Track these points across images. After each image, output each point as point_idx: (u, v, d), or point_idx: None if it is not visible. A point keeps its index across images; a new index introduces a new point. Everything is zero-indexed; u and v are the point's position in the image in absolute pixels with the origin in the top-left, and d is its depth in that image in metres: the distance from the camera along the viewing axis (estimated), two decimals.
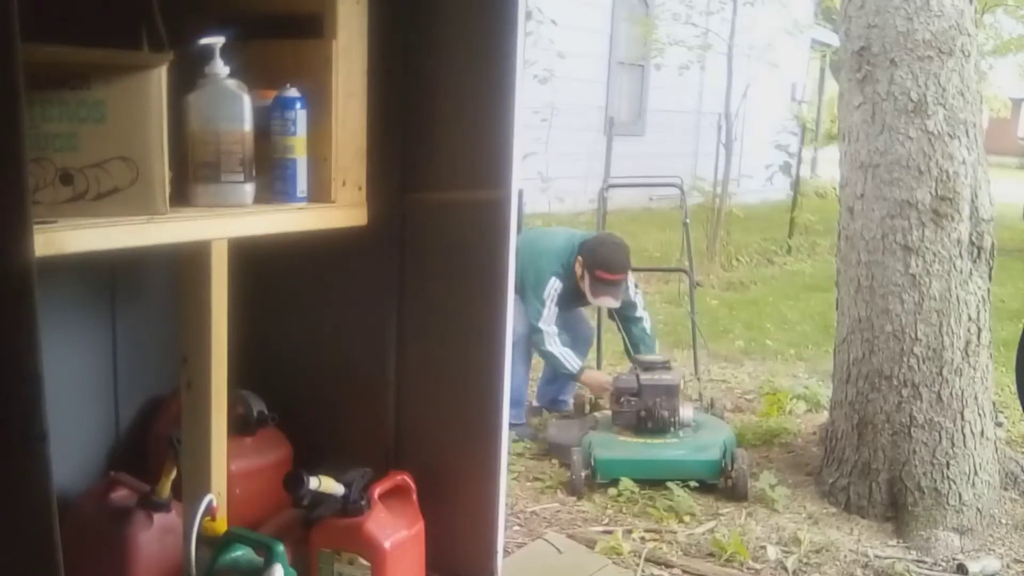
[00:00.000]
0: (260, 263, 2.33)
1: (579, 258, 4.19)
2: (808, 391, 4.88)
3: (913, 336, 3.44)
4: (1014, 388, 4.11)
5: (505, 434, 2.56)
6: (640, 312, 4.46)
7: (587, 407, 4.40)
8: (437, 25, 2.45)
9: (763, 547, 3.24)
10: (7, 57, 1.27)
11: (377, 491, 2.41)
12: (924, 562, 3.21)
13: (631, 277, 4.37)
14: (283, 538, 2.16)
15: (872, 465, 3.53)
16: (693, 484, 3.63)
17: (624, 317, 4.41)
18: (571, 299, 4.27)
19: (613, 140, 6.90)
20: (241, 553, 2.13)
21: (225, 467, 2.23)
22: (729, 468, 3.66)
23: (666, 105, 12.51)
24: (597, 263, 4.17)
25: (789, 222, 10.03)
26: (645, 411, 3.80)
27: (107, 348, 2.67)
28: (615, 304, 4.32)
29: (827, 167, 13.05)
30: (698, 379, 4.75)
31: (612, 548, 3.16)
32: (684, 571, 3.08)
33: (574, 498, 3.62)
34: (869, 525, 3.46)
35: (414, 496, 2.52)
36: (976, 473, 3.46)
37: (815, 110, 16.38)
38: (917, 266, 3.42)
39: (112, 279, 2.66)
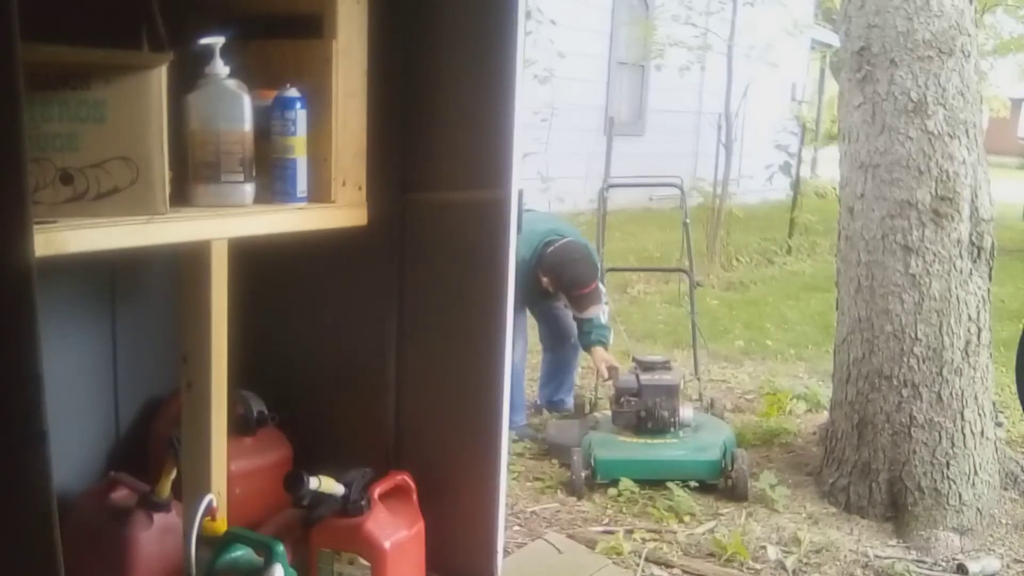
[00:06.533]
0: (260, 263, 2.33)
1: (544, 278, 4.12)
2: (808, 391, 4.88)
3: (913, 336, 3.44)
4: (1014, 388, 4.11)
5: (505, 434, 2.57)
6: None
7: (587, 407, 4.40)
8: (437, 25, 2.46)
9: (763, 547, 3.24)
10: (7, 57, 1.27)
11: (377, 491, 2.41)
12: (924, 562, 3.21)
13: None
14: (283, 538, 2.16)
15: (872, 465, 3.53)
16: (693, 484, 3.63)
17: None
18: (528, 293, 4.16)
19: (613, 140, 6.90)
20: (241, 553, 2.13)
21: (225, 467, 2.23)
22: (729, 468, 3.66)
23: (666, 105, 12.51)
24: (571, 283, 4.10)
25: (789, 222, 10.03)
26: (645, 411, 3.80)
27: (107, 348, 2.67)
28: (599, 310, 4.23)
29: (827, 167, 13.05)
30: (698, 379, 4.75)
31: (612, 548, 3.16)
32: (684, 571, 3.08)
33: (574, 498, 3.62)
34: (869, 525, 3.45)
35: (414, 496, 2.52)
36: (976, 473, 3.46)
37: (815, 110, 16.38)
38: (917, 266, 3.42)
39: (112, 279, 2.66)
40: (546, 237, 4.18)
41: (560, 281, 4.14)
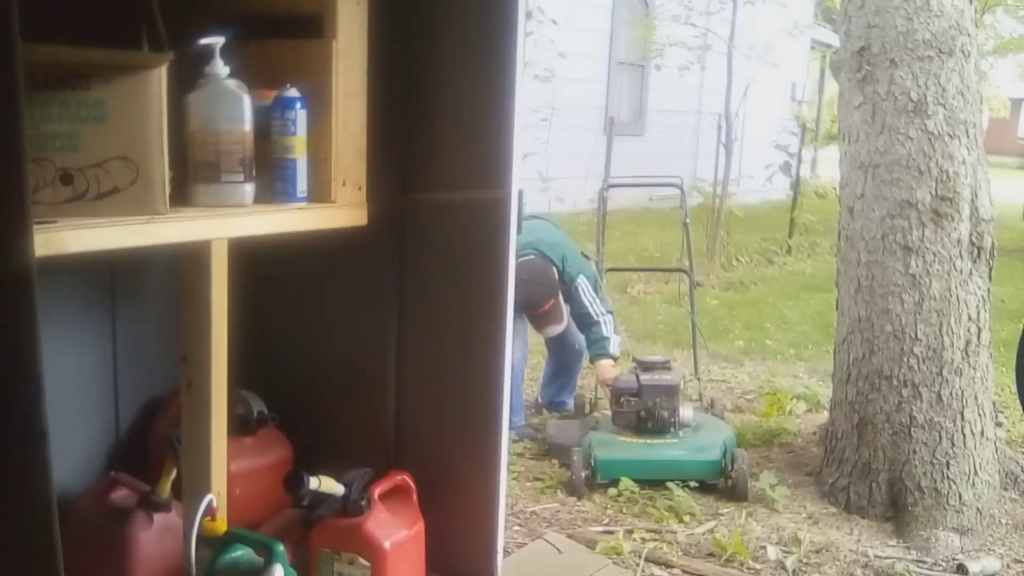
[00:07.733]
0: (260, 263, 2.33)
1: None
2: (808, 391, 4.88)
3: (913, 336, 3.44)
4: (1014, 388, 4.11)
5: (505, 434, 2.56)
6: (597, 318, 4.26)
7: (587, 407, 4.40)
8: (437, 25, 2.45)
9: (763, 547, 3.24)
10: (7, 57, 1.27)
11: (377, 491, 2.41)
12: (924, 562, 3.21)
13: (585, 283, 4.23)
14: (283, 538, 2.16)
15: (872, 465, 3.53)
16: (693, 484, 3.63)
17: (582, 325, 4.32)
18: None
19: (613, 140, 6.89)
20: (241, 553, 2.13)
21: (225, 467, 2.23)
22: (729, 468, 3.66)
23: (666, 105, 12.52)
24: (522, 303, 3.95)
25: (789, 222, 10.03)
26: (645, 411, 3.79)
27: (107, 348, 2.67)
28: (560, 328, 4.26)
29: (827, 167, 13.05)
30: (698, 379, 4.75)
31: (612, 548, 3.15)
32: (684, 571, 3.08)
33: (574, 498, 3.62)
34: (869, 525, 3.45)
35: (414, 496, 2.52)
36: (976, 473, 3.45)
37: (815, 110, 16.39)
38: (917, 266, 3.42)
39: (112, 279, 2.66)
40: (520, 252, 4.14)
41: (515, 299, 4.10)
